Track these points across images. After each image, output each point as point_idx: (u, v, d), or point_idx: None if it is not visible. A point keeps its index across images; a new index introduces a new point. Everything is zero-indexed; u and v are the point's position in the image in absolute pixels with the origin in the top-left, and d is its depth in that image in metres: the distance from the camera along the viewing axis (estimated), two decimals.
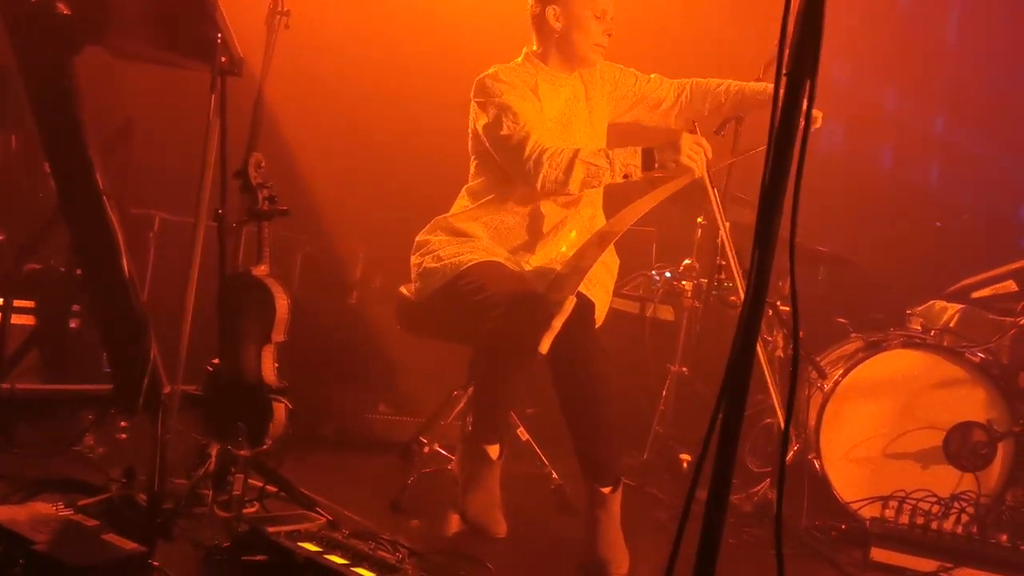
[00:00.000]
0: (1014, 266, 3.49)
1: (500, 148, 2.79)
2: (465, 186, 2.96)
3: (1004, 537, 3.10)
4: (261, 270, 2.49)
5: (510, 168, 2.80)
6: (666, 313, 4.16)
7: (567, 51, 2.89)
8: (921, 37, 4.37)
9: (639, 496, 3.47)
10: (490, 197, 2.87)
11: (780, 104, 1.31)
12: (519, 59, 2.95)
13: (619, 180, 2.69)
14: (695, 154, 2.65)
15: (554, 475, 3.15)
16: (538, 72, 2.91)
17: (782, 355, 3.76)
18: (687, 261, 3.99)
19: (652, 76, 3.07)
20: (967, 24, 4.29)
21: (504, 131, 2.75)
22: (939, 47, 4.34)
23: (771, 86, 2.90)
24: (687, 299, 3.91)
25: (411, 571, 2.10)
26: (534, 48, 2.94)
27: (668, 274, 4.13)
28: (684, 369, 3.87)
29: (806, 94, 1.29)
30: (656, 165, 2.67)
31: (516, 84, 2.83)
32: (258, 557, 2.06)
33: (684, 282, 3.96)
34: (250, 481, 2.42)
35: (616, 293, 4.35)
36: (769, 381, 3.07)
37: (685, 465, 3.70)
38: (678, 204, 4.17)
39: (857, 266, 4.07)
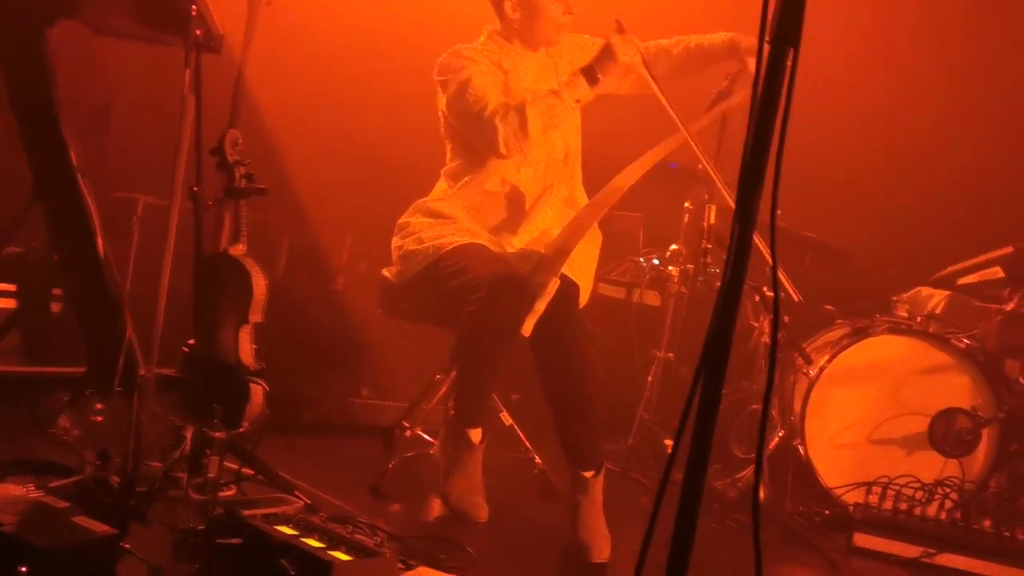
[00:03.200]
0: (1000, 252, 3.47)
1: (462, 121, 2.77)
2: (443, 169, 2.93)
3: (988, 523, 3.10)
4: (238, 249, 2.45)
5: (474, 140, 2.78)
6: (652, 299, 4.14)
7: (529, 36, 2.86)
8: (912, 18, 4.35)
9: (623, 481, 3.46)
10: (467, 179, 2.84)
11: (762, 74, 1.28)
12: (481, 38, 2.91)
13: (573, 106, 2.68)
14: (628, 49, 2.63)
15: (537, 460, 3.13)
16: (502, 50, 2.88)
17: (768, 341, 3.75)
18: (674, 247, 3.97)
19: None
20: (959, 8, 4.27)
21: (464, 103, 2.73)
22: (931, 29, 4.31)
23: (726, 35, 2.90)
24: (674, 285, 3.88)
25: (390, 555, 2.07)
26: (497, 27, 2.90)
27: (656, 260, 4.12)
28: (670, 355, 3.85)
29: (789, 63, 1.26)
30: (600, 76, 2.66)
31: (479, 59, 2.80)
32: (233, 540, 2.02)
33: (671, 268, 3.94)
34: (226, 464, 2.39)
35: (603, 279, 4.36)
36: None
37: (669, 451, 3.67)
38: (665, 189, 4.16)
39: (843, 252, 4.06)
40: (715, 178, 2.88)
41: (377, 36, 4.32)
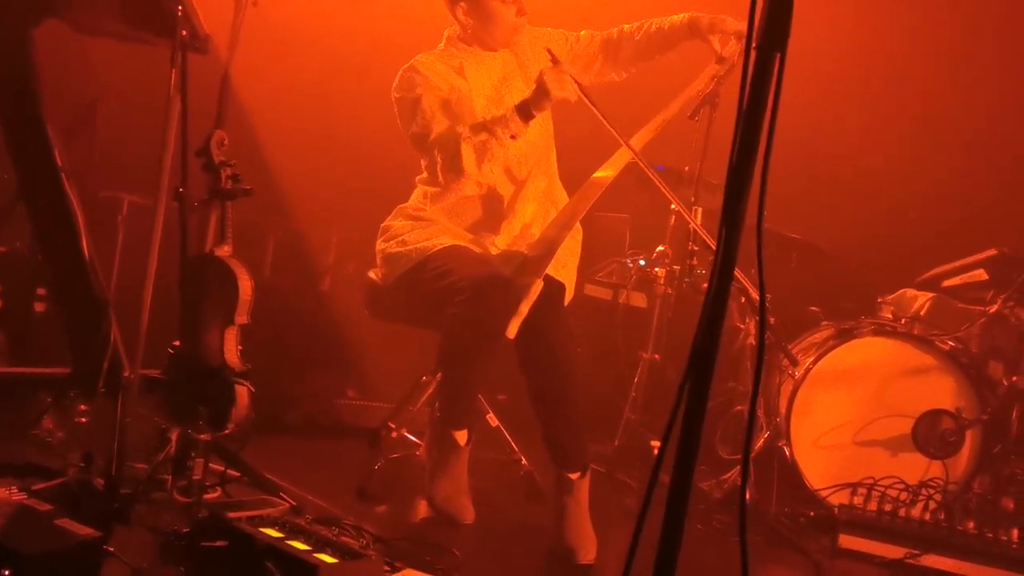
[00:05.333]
0: (984, 255, 3.49)
1: (412, 143, 2.79)
2: (417, 178, 2.93)
3: (971, 524, 3.11)
4: (224, 250, 2.44)
5: (425, 163, 2.81)
6: (639, 300, 4.15)
7: (485, 37, 2.86)
8: (900, 23, 4.37)
9: (609, 483, 3.46)
10: (442, 186, 2.84)
11: (749, 79, 1.28)
12: (441, 44, 2.91)
13: (511, 142, 2.65)
14: (560, 83, 2.58)
15: (524, 461, 3.13)
16: (462, 54, 2.88)
17: (754, 342, 3.76)
18: (660, 248, 3.97)
19: (582, 33, 3.01)
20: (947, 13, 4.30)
21: (413, 127, 2.75)
22: (918, 34, 4.34)
23: (685, 16, 2.89)
24: (660, 286, 3.89)
25: (375, 557, 2.07)
26: (456, 31, 2.90)
27: (642, 262, 4.12)
28: (656, 356, 3.86)
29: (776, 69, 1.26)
30: (534, 113, 2.62)
31: (436, 71, 2.80)
32: (218, 543, 2.02)
33: (657, 269, 3.94)
34: (211, 466, 2.38)
35: (589, 279, 4.37)
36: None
37: (655, 452, 3.68)
38: (651, 190, 4.17)
39: (829, 254, 4.08)
40: (659, 184, 2.88)
41: (364, 37, 4.31)
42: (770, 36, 1.24)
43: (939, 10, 4.30)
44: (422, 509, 2.78)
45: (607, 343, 4.09)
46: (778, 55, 1.25)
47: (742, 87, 1.27)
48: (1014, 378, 3.39)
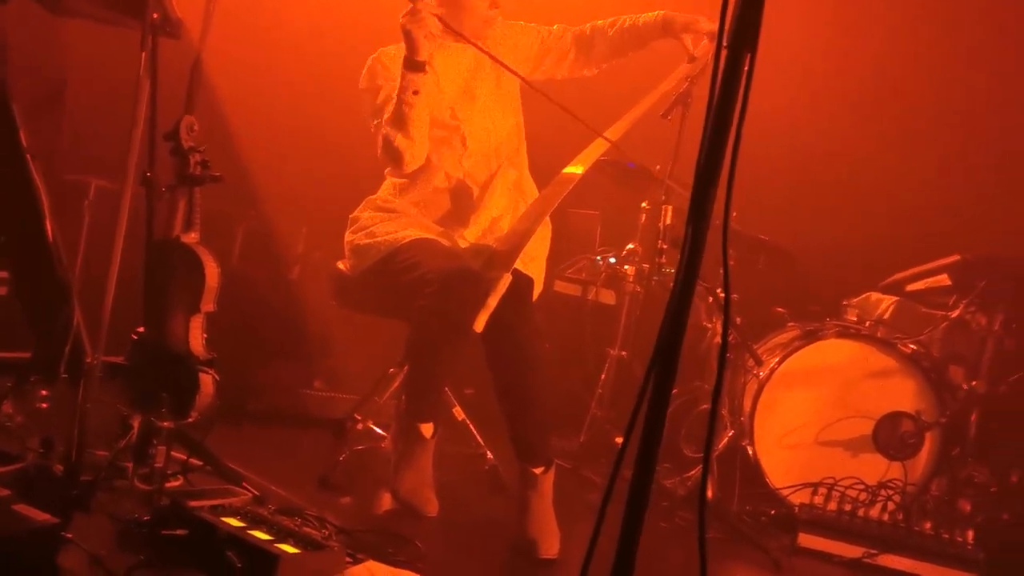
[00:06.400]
0: (947, 260, 3.54)
1: (373, 135, 2.79)
2: (387, 169, 2.92)
3: (928, 525, 3.16)
4: (191, 237, 2.42)
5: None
6: (608, 297, 4.17)
7: (457, 30, 2.85)
8: (870, 29, 4.42)
9: (574, 478, 3.47)
10: (412, 178, 2.84)
11: (719, 79, 1.29)
12: None
13: (415, 98, 2.63)
14: (416, 20, 2.56)
15: (489, 455, 3.13)
16: (432, 46, 2.86)
17: (720, 341, 3.79)
18: (630, 246, 4.00)
19: (555, 28, 3.01)
20: (916, 21, 4.35)
21: (373, 119, 2.77)
22: (887, 41, 4.39)
23: (659, 14, 2.90)
24: (629, 283, 3.91)
25: (338, 548, 2.07)
26: None
27: (612, 259, 4.14)
28: (623, 353, 3.88)
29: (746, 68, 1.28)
30: (417, 59, 2.61)
31: (401, 62, 2.78)
32: (178, 531, 2.00)
33: (627, 266, 3.97)
34: (173, 454, 2.36)
35: (559, 275, 4.38)
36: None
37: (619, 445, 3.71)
38: (623, 188, 4.19)
39: (797, 256, 4.11)
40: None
41: (338, 26, 4.29)
42: (740, 36, 1.25)
43: (917, 19, 4.35)
44: (386, 501, 2.78)
45: (575, 339, 4.11)
46: (748, 55, 1.26)
47: (712, 86, 1.28)
48: (973, 383, 3.44)
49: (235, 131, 3.95)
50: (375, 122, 2.78)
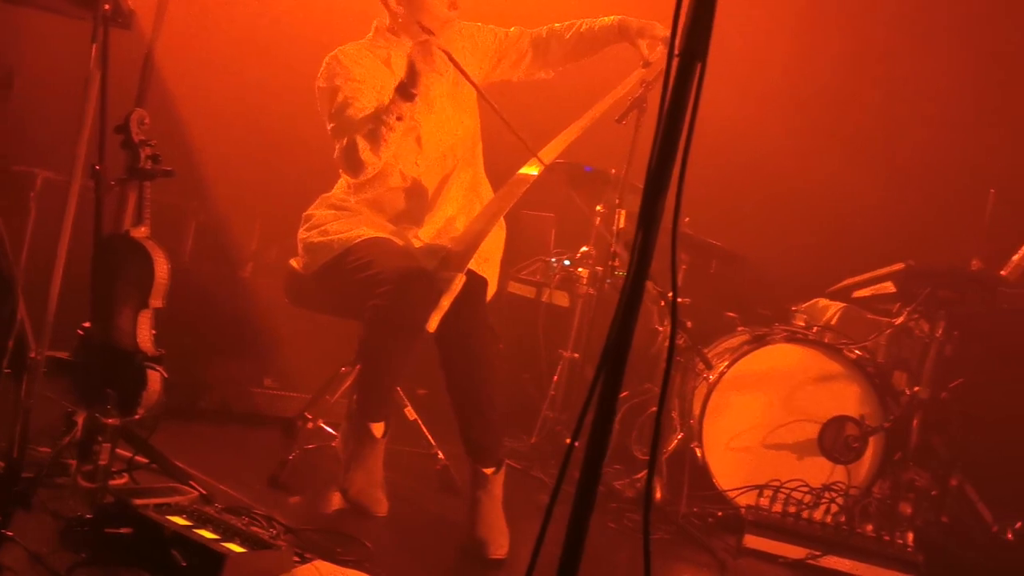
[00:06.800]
0: (893, 268, 3.62)
1: (331, 135, 2.78)
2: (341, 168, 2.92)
3: (870, 527, 3.23)
4: (141, 232, 2.39)
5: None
6: (561, 299, 4.20)
7: (414, 31, 2.86)
8: (823, 37, 4.50)
9: (525, 479, 3.49)
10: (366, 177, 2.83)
11: (671, 86, 1.31)
12: (370, 34, 2.90)
13: (399, 124, 2.65)
14: (428, 55, 2.59)
15: (440, 455, 3.13)
16: (389, 45, 2.87)
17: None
18: (584, 248, 4.02)
19: (512, 30, 3.02)
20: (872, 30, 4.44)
21: (329, 119, 2.75)
22: (838, 49, 4.48)
23: (615, 19, 2.92)
24: (582, 286, 3.94)
25: (285, 548, 2.05)
26: (385, 22, 2.89)
27: (567, 262, 4.17)
28: (576, 355, 3.90)
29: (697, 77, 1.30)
30: (413, 92, 2.63)
31: (359, 62, 2.79)
32: (122, 530, 1.97)
33: (580, 269, 3.99)
34: (119, 452, 2.32)
35: (513, 278, 4.39)
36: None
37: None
38: (578, 191, 4.22)
39: (748, 262, 4.18)
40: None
41: (294, 18, 4.26)
42: (692, 45, 1.27)
43: (869, 32, 4.44)
44: (336, 500, 2.76)
45: (529, 341, 4.13)
46: (699, 63, 1.28)
47: (663, 94, 1.30)
48: (916, 388, 3.52)
49: (188, 125, 3.90)
50: (332, 125, 2.76)
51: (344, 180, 2.91)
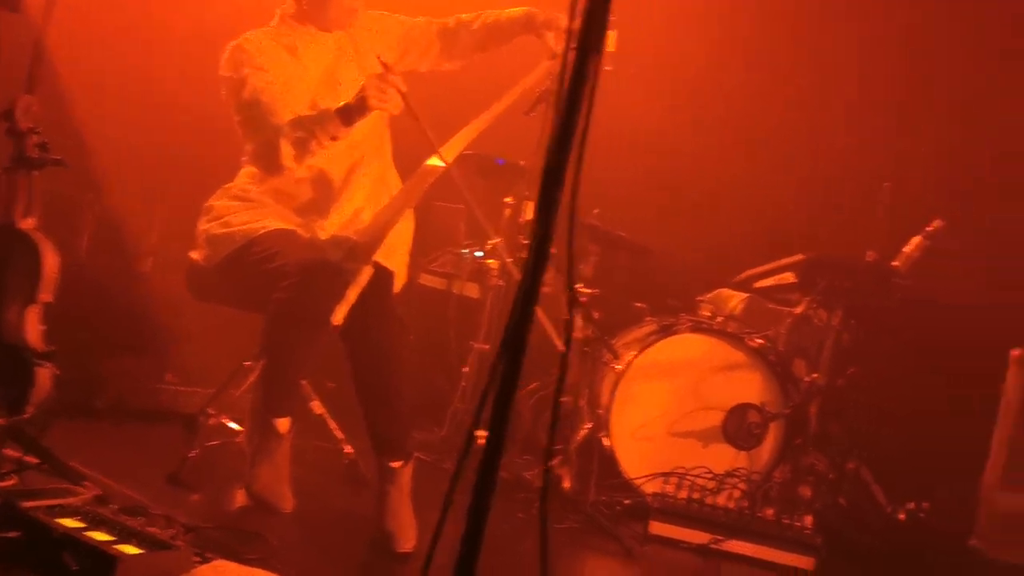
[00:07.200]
0: (792, 259, 3.73)
1: (238, 125, 2.72)
2: (243, 157, 2.85)
3: (770, 512, 3.32)
4: (28, 223, 2.29)
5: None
6: (472, 291, 4.20)
7: (319, 17, 2.81)
8: (734, 32, 4.60)
9: (435, 472, 3.47)
10: None
11: (567, 78, 1.32)
12: (274, 21, 2.85)
13: (329, 142, 2.60)
14: (382, 94, 2.53)
15: (347, 449, 3.10)
16: (295, 33, 2.82)
17: (582, 335, 3.87)
18: (494, 240, 4.02)
19: (419, 20, 3.01)
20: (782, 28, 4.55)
21: (238, 110, 2.70)
22: (746, 46, 4.58)
23: (523, 10, 2.91)
24: (493, 278, 3.95)
25: (184, 547, 2.01)
26: (290, 9, 2.84)
27: (479, 253, 4.17)
28: (487, 346, 3.91)
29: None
30: (356, 119, 2.57)
31: (265, 50, 2.74)
32: (10, 533, 1.90)
33: (490, 261, 4.00)
34: (7, 452, 2.23)
35: (424, 269, 4.37)
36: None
37: (480, 441, 3.72)
38: (488, 182, 4.22)
39: (656, 254, 4.24)
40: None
41: (193, 4, 4.14)
42: (586, 39, 1.28)
43: (765, 27, 4.55)
44: (239, 498, 2.71)
45: (439, 333, 4.11)
46: (594, 56, 1.29)
47: (559, 86, 1.31)
48: (814, 375, 3.63)
49: (83, 114, 3.76)
50: (241, 117, 2.69)
51: (247, 170, 2.84)
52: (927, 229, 3.62)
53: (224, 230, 2.72)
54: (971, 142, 4.23)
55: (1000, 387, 3.28)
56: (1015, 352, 3.25)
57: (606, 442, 3.54)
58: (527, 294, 1.29)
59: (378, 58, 2.61)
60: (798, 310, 3.72)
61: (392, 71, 2.57)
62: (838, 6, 4.52)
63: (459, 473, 1.35)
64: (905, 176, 4.11)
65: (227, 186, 2.84)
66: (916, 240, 3.63)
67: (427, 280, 4.34)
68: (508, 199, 3.99)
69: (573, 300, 1.40)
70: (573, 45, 1.31)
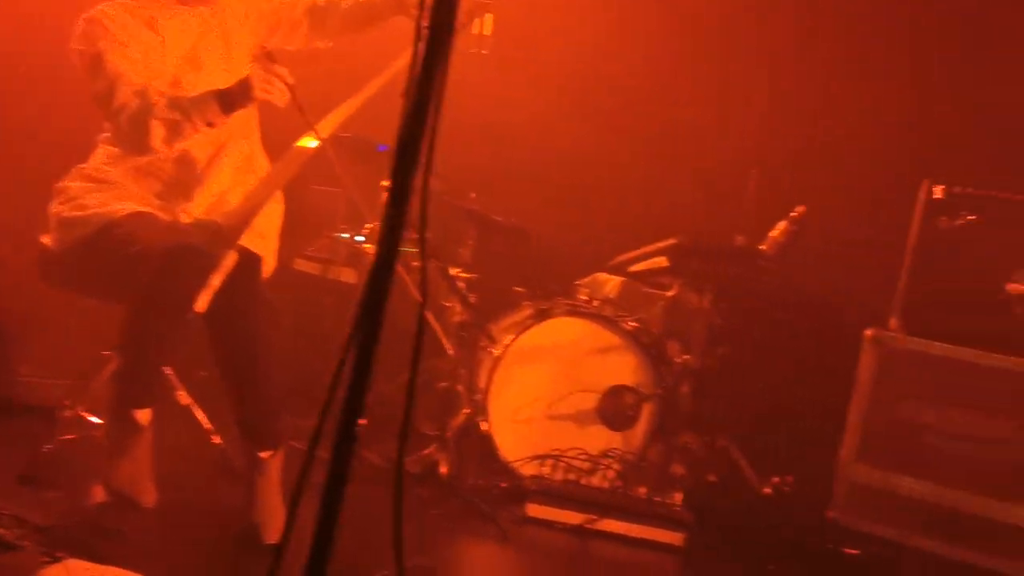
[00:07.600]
0: (665, 243, 3.81)
1: (95, 103, 2.61)
2: (100, 136, 2.72)
3: (643, 490, 3.40)
4: None
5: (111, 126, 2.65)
6: (349, 276, 4.13)
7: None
8: (597, 23, 4.65)
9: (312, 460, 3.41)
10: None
11: (419, 59, 1.30)
12: None
13: (205, 128, 2.54)
14: (269, 85, 2.48)
15: (216, 440, 3.01)
16: (153, 6, 2.70)
17: (459, 320, 3.86)
18: (371, 224, 3.97)
19: None
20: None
21: (96, 86, 2.58)
22: (615, 35, 4.64)
23: None
24: (370, 263, 3.88)
25: (31, 548, 1.91)
26: None
27: (359, 237, 4.10)
28: None
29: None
30: (236, 107, 2.53)
31: (121, 24, 2.62)
32: None
33: (368, 245, 3.94)
34: None
35: (299, 254, 4.27)
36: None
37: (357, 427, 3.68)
38: (366, 166, 4.15)
39: (533, 238, 4.26)
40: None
41: None
42: (438, 18, 1.26)
43: (648, 21, 4.62)
44: (99, 494, 2.58)
45: (315, 318, 4.04)
46: (446, 36, 1.28)
47: (412, 67, 1.29)
48: (686, 356, 3.73)
49: None
50: (98, 94, 2.56)
51: (103, 149, 2.70)
52: (792, 215, 3.75)
53: (78, 213, 2.58)
54: (832, 131, 4.41)
55: (856, 366, 3.43)
56: (868, 332, 3.41)
57: (484, 426, 3.55)
58: (381, 272, 1.27)
59: (263, 48, 2.54)
60: (671, 293, 3.81)
61: (277, 61, 2.50)
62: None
63: (309, 463, 1.32)
64: (771, 161, 4.26)
65: (81, 166, 2.69)
66: (782, 225, 3.76)
67: (302, 265, 4.26)
68: (385, 183, 3.93)
69: (424, 252, 1.40)
70: (426, 23, 1.29)
